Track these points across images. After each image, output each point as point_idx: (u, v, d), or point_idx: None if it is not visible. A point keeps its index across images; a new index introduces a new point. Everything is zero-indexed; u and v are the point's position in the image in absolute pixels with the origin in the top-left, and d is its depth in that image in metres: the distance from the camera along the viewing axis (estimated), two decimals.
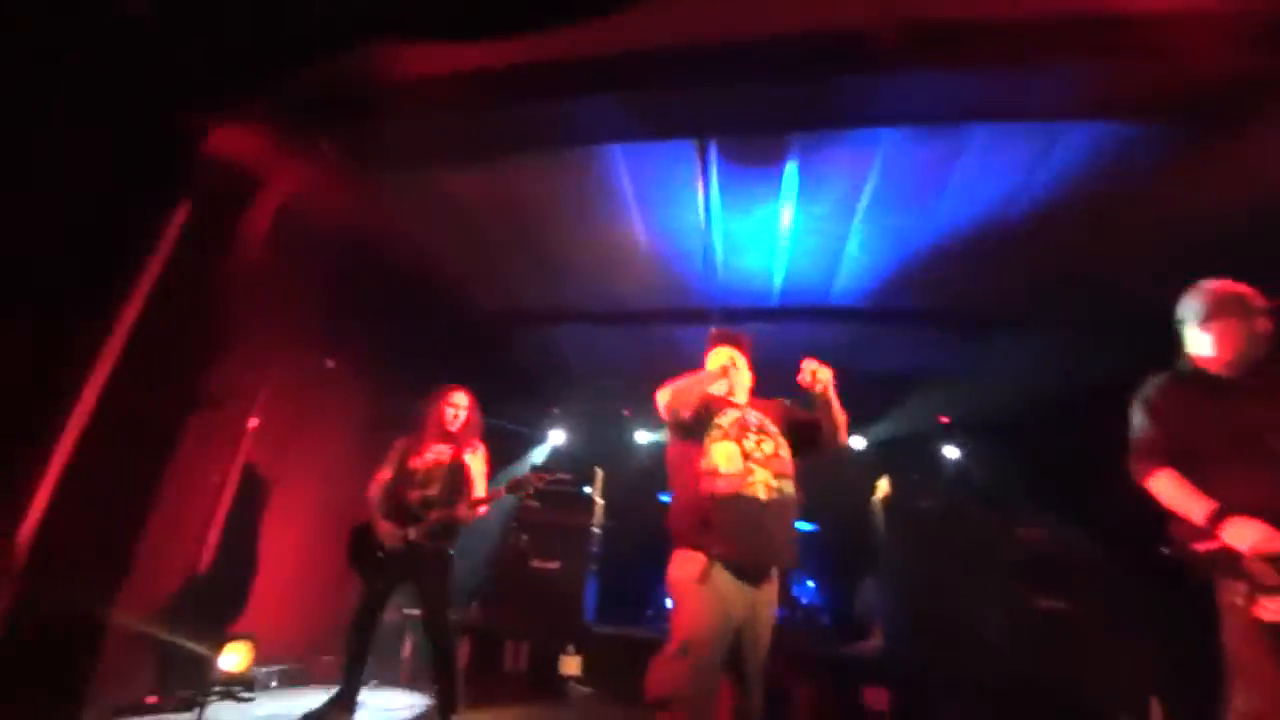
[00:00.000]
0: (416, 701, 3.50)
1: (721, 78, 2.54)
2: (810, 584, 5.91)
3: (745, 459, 2.25)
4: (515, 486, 3.31)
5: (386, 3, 2.33)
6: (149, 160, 2.39)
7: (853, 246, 4.10)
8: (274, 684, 3.40)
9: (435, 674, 3.06)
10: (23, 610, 2.03)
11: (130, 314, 2.32)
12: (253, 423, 3.61)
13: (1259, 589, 1.76)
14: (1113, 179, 3.21)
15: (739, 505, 2.16)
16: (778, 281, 4.62)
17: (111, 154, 2.31)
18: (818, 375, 2.24)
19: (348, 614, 3.16)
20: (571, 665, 4.32)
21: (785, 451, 2.38)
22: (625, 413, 6.82)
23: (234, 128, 2.55)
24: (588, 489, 5.31)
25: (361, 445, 4.10)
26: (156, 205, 2.44)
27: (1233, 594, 1.82)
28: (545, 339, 5.86)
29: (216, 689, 3.09)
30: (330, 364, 4.22)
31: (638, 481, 6.08)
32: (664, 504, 2.44)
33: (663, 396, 2.37)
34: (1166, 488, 1.95)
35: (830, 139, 3.22)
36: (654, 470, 4.50)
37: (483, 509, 3.22)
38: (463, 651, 4.33)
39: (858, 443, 6.24)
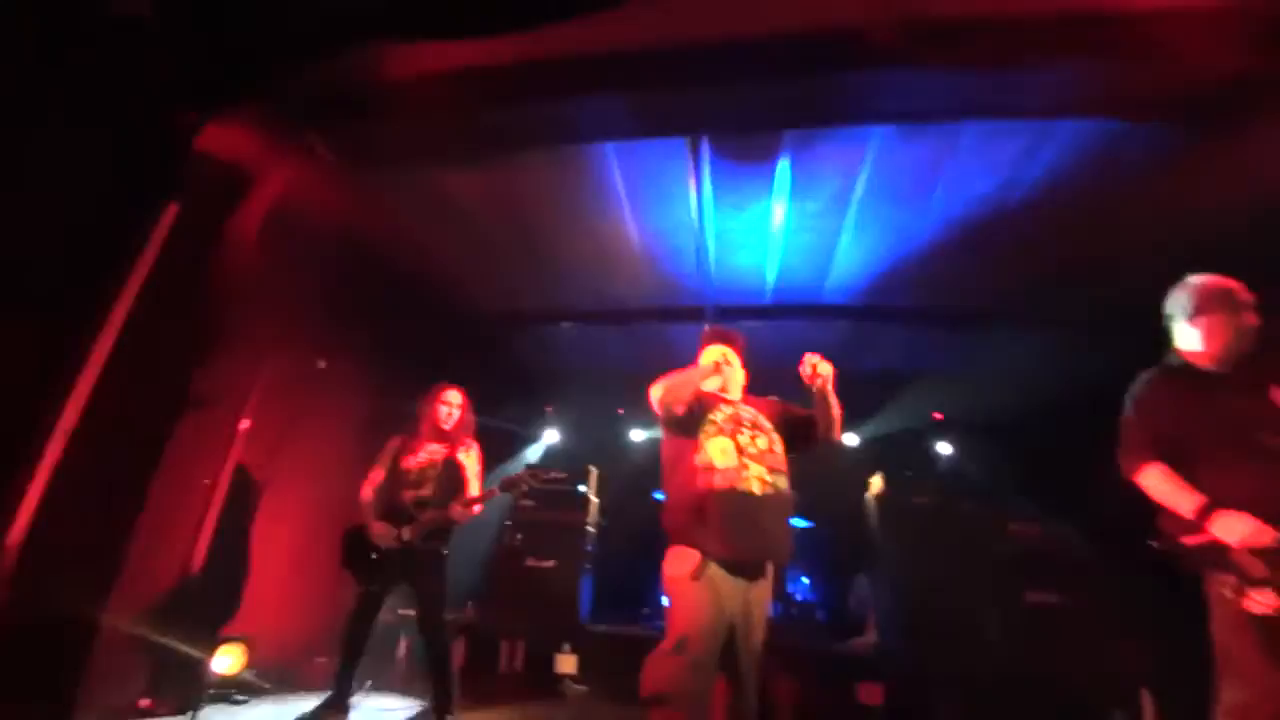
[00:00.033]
0: (410, 706, 3.49)
1: (715, 75, 2.54)
2: (805, 580, 5.93)
3: (740, 454, 2.26)
4: (509, 485, 3.31)
5: (380, 1, 2.32)
6: (141, 158, 2.36)
7: (845, 244, 4.11)
8: (267, 686, 3.39)
9: (430, 674, 3.05)
10: (13, 613, 2.01)
11: (121, 313, 2.30)
12: (245, 423, 3.59)
13: (1247, 582, 1.78)
14: (1106, 176, 3.23)
15: (734, 500, 2.16)
16: (771, 279, 4.63)
17: (103, 151, 2.29)
18: (818, 369, 2.25)
19: (342, 616, 3.15)
20: (567, 664, 4.32)
21: (779, 447, 2.39)
22: (619, 411, 6.82)
23: (227, 126, 2.53)
24: (582, 488, 5.31)
25: (355, 445, 4.08)
26: (148, 203, 2.41)
27: (1221, 587, 1.84)
28: (539, 338, 5.86)
29: (210, 692, 3.07)
30: (322, 364, 4.20)
31: (632, 480, 6.08)
32: (659, 502, 2.45)
33: (655, 392, 2.38)
34: (1156, 482, 1.97)
35: (823, 136, 3.22)
36: (649, 468, 4.51)
37: (477, 508, 3.21)
38: (458, 651, 4.33)
39: (851, 439, 6.27)
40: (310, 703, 3.02)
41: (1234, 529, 1.79)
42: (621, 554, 5.53)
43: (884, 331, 5.13)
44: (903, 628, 4.30)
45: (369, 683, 3.43)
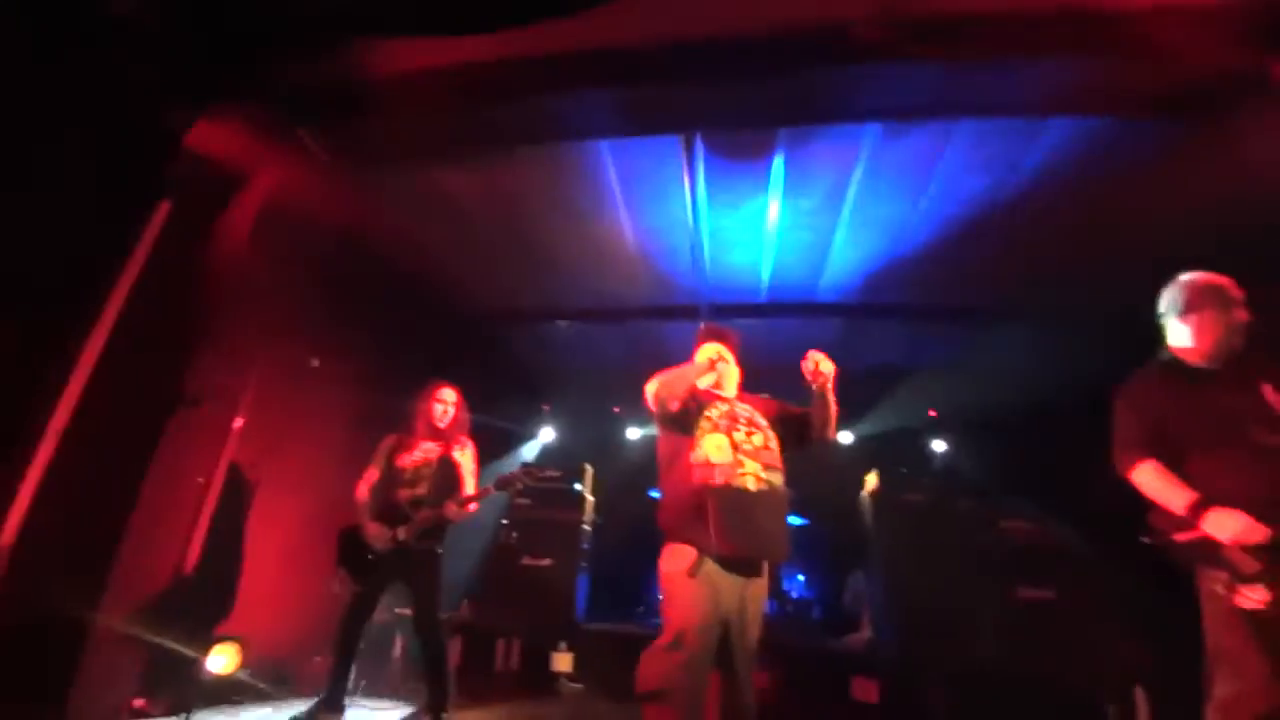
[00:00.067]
0: (401, 709, 3.46)
1: (707, 72, 2.54)
2: (800, 578, 5.95)
3: (735, 451, 2.26)
4: (504, 484, 3.30)
5: None
6: (132, 155, 2.35)
7: (840, 241, 4.12)
8: (262, 686, 3.37)
9: (426, 673, 3.05)
10: (4, 613, 2.00)
11: (112, 312, 2.29)
12: (239, 422, 3.58)
13: (1239, 578, 1.79)
14: (1099, 173, 3.24)
15: (729, 497, 2.16)
16: (765, 277, 4.63)
17: (94, 149, 2.27)
18: (820, 367, 2.26)
19: (337, 614, 3.14)
20: (563, 662, 4.32)
21: (775, 444, 2.40)
22: (615, 409, 6.82)
23: (218, 123, 2.52)
24: (578, 486, 5.31)
25: (349, 443, 4.06)
26: (139, 201, 2.41)
27: (1213, 583, 1.85)
28: (534, 336, 5.85)
29: (204, 694, 3.05)
30: (315, 362, 4.18)
31: (628, 478, 6.09)
32: (654, 500, 2.45)
33: (651, 388, 2.38)
34: (1149, 479, 1.97)
35: (817, 133, 3.22)
36: (644, 467, 4.51)
37: (472, 507, 3.20)
38: (454, 650, 4.33)
39: (846, 437, 6.28)
40: (306, 702, 3.02)
41: (1226, 526, 1.80)
42: (617, 552, 5.53)
43: (878, 329, 5.15)
44: (897, 624, 4.31)
45: (362, 682, 3.41)
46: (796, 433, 2.47)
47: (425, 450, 3.31)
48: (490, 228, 4.20)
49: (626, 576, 5.70)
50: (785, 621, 5.41)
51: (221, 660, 3.13)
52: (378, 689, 3.42)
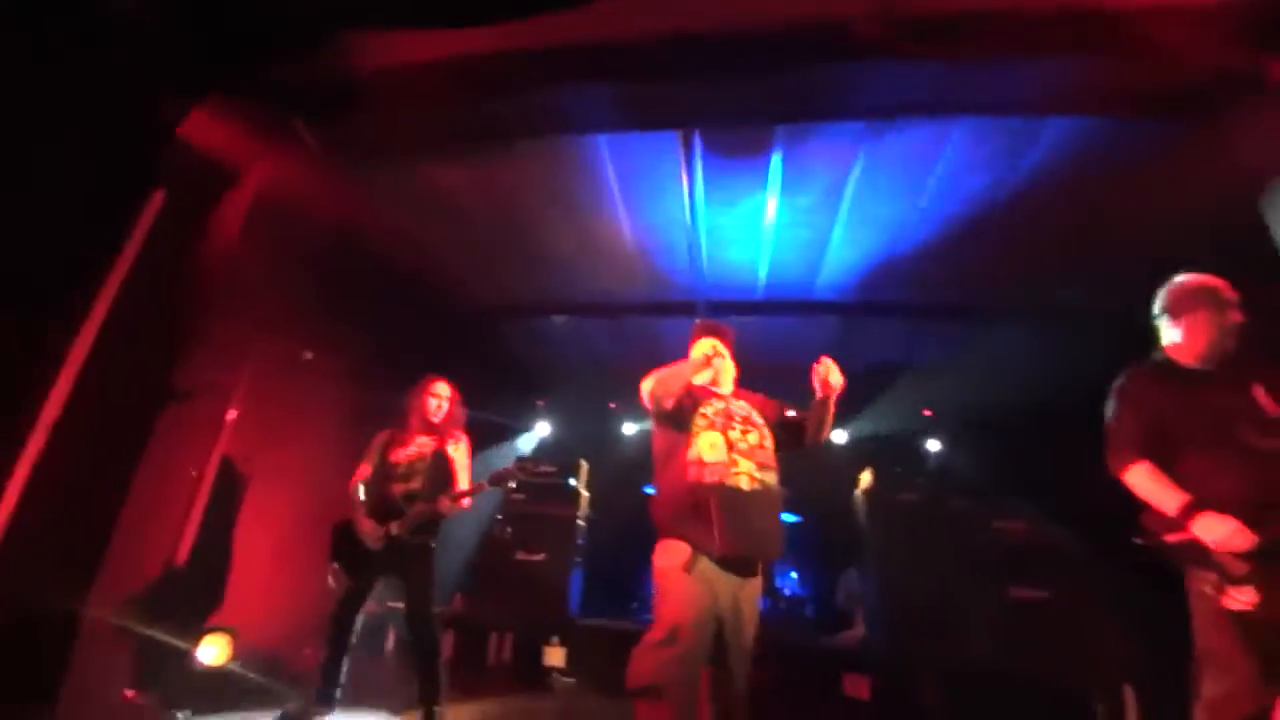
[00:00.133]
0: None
1: (707, 68, 2.53)
2: (794, 575, 5.97)
3: (730, 449, 2.26)
4: (499, 479, 3.30)
5: None
6: (124, 147, 2.33)
7: (837, 239, 4.12)
8: (254, 677, 3.37)
9: (418, 667, 3.05)
10: None
11: (103, 304, 2.27)
12: (232, 415, 3.56)
13: (1227, 579, 1.80)
14: (1097, 172, 3.24)
15: (723, 495, 2.16)
16: (762, 274, 4.63)
17: (84, 141, 2.25)
18: (831, 378, 2.25)
19: (329, 607, 3.14)
20: (556, 656, 4.33)
21: (769, 443, 2.40)
22: (611, 405, 6.82)
23: (211, 116, 2.50)
24: (573, 481, 5.31)
25: (343, 437, 4.06)
26: (132, 193, 2.38)
27: (1202, 584, 1.86)
28: (531, 332, 5.84)
29: (197, 690, 3.04)
30: (308, 355, 4.16)
31: (623, 474, 6.09)
32: (649, 496, 2.45)
33: (646, 385, 2.38)
34: (1142, 480, 1.98)
35: (815, 131, 3.22)
36: (639, 462, 4.51)
37: (465, 502, 3.20)
38: (446, 643, 4.33)
39: (841, 436, 6.29)
40: (297, 695, 3.02)
41: (1214, 530, 1.80)
42: (611, 547, 5.53)
43: (875, 327, 5.15)
44: (890, 622, 4.33)
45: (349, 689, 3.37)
46: (792, 437, 2.47)
47: (419, 445, 3.30)
48: (487, 223, 4.18)
49: (621, 572, 5.71)
50: (778, 619, 5.43)
51: (212, 651, 3.13)
52: (362, 702, 3.36)
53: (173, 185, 2.41)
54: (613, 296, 5.07)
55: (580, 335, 5.75)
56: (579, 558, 5.14)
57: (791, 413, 2.51)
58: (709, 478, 2.20)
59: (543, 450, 6.66)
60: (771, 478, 2.30)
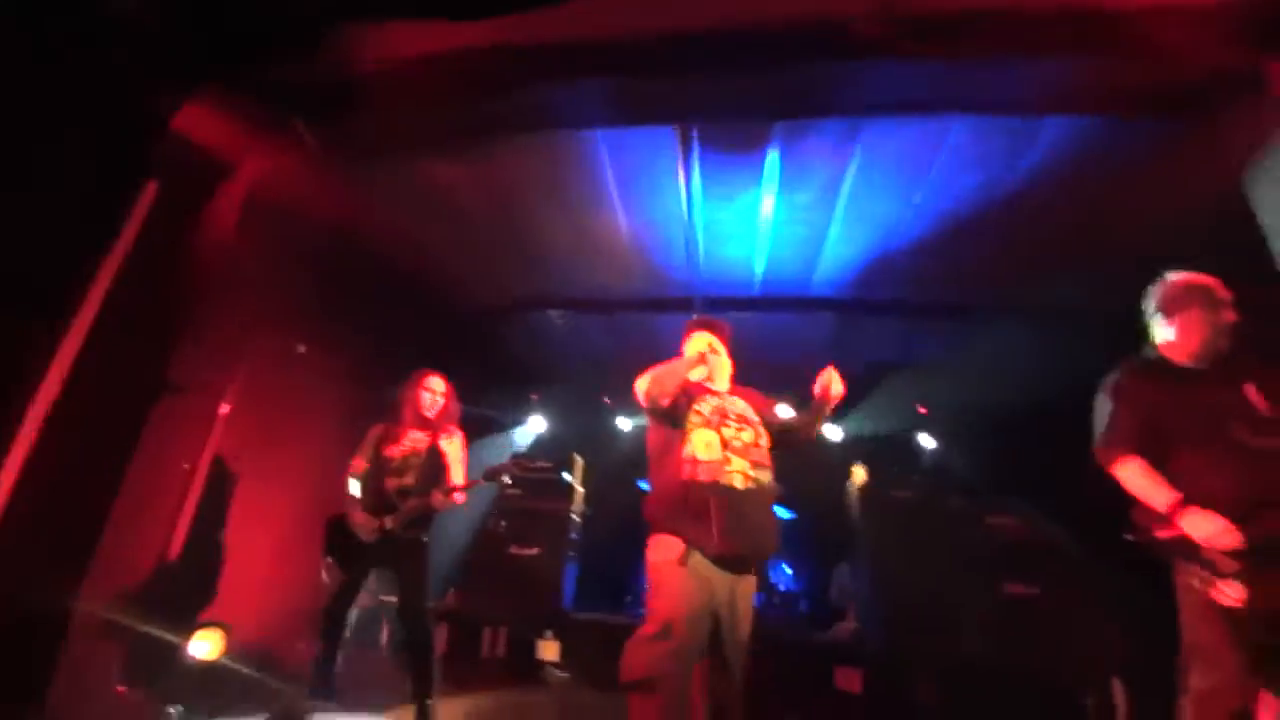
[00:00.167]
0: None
1: (705, 64, 2.52)
2: (787, 570, 6.00)
3: (724, 448, 2.26)
4: (493, 475, 3.29)
5: None
6: (118, 139, 2.31)
7: (834, 236, 4.12)
8: (247, 671, 3.36)
9: (411, 661, 3.05)
10: None
11: (96, 298, 2.25)
12: (225, 409, 3.55)
13: (1216, 574, 1.82)
14: (1094, 170, 3.24)
15: (716, 494, 2.16)
16: (759, 271, 4.63)
17: (77, 133, 2.23)
18: (832, 390, 2.27)
19: (323, 601, 3.14)
20: (549, 650, 4.34)
21: (764, 441, 2.39)
22: (606, 401, 6.82)
23: (204, 109, 2.47)
24: (567, 476, 5.31)
25: (338, 431, 4.05)
26: (123, 187, 2.36)
27: (1191, 578, 1.88)
28: (527, 327, 5.82)
29: (188, 685, 3.03)
30: (302, 349, 4.14)
31: (617, 469, 6.10)
32: (644, 491, 2.45)
33: (641, 384, 2.37)
34: (1132, 475, 1.99)
35: (812, 128, 3.21)
36: (634, 457, 4.51)
37: (459, 497, 3.20)
38: (440, 638, 4.33)
39: (835, 433, 6.31)
40: (291, 689, 3.02)
41: (1203, 526, 1.82)
42: (605, 542, 5.55)
43: (871, 324, 5.15)
44: (882, 616, 4.36)
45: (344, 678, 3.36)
46: (785, 439, 2.48)
47: (413, 440, 3.29)
48: (484, 219, 4.16)
49: (614, 566, 5.72)
50: (772, 614, 5.46)
51: (205, 646, 3.12)
52: (354, 692, 3.34)
53: (166, 178, 2.39)
54: (609, 292, 5.06)
55: (576, 331, 5.74)
56: (573, 552, 5.15)
57: (782, 410, 2.52)
58: (703, 476, 2.19)
59: (539, 446, 6.66)
60: (766, 476, 2.30)
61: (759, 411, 2.48)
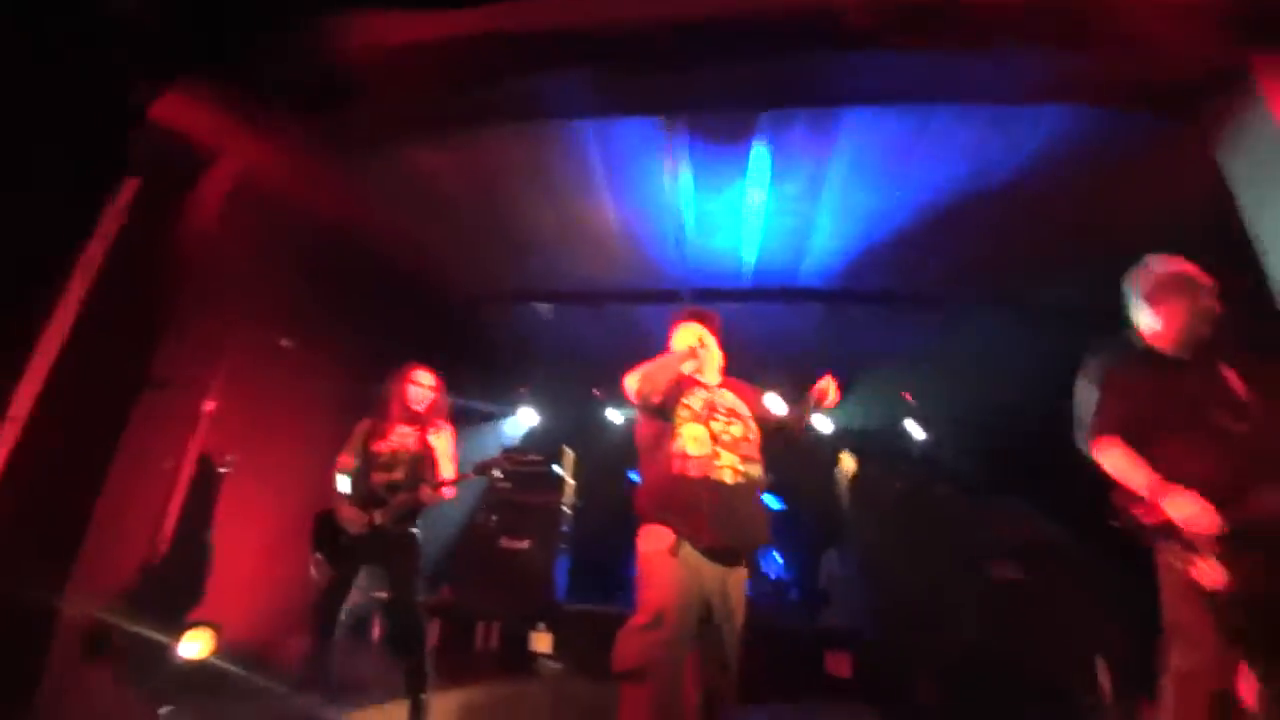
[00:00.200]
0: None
1: (695, 54, 2.50)
2: (778, 559, 6.04)
3: (713, 442, 2.26)
4: (483, 469, 3.28)
5: None
6: (96, 132, 2.26)
7: (822, 227, 4.13)
8: (237, 669, 3.34)
9: (403, 657, 3.04)
10: None
11: (77, 293, 2.21)
12: (210, 405, 3.50)
13: (1196, 554, 1.85)
14: (1081, 162, 3.26)
15: (706, 489, 2.17)
16: (748, 262, 4.63)
17: (56, 124, 2.18)
18: (829, 396, 2.32)
19: (313, 598, 3.11)
20: (542, 642, 4.35)
21: (754, 435, 2.39)
22: (595, 393, 6.81)
23: (186, 98, 2.42)
24: (557, 468, 5.31)
25: (326, 427, 4.01)
26: (104, 179, 2.31)
27: (1172, 559, 1.91)
28: (515, 319, 5.79)
29: (179, 684, 3.01)
30: (286, 343, 4.09)
31: (608, 461, 6.10)
32: (634, 483, 2.45)
33: (631, 382, 2.36)
34: (1114, 457, 2.01)
35: (800, 118, 3.20)
36: (624, 449, 4.51)
37: (449, 491, 3.18)
38: (433, 631, 4.33)
39: (825, 424, 6.35)
40: (284, 687, 3.00)
41: (1183, 508, 1.84)
42: (597, 534, 5.55)
43: (860, 314, 5.18)
44: (870, 602, 4.42)
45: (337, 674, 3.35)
46: (774, 437, 2.49)
47: (401, 434, 3.27)
48: (471, 210, 4.13)
49: (607, 558, 5.73)
50: (763, 602, 5.50)
51: (195, 646, 3.09)
52: (347, 688, 3.32)
53: (148, 170, 2.35)
54: (598, 283, 5.05)
55: (565, 322, 5.72)
56: (564, 544, 5.15)
57: (770, 400, 2.53)
58: (693, 471, 2.20)
59: (530, 439, 6.65)
60: (755, 470, 2.31)
61: (748, 404, 2.48)
